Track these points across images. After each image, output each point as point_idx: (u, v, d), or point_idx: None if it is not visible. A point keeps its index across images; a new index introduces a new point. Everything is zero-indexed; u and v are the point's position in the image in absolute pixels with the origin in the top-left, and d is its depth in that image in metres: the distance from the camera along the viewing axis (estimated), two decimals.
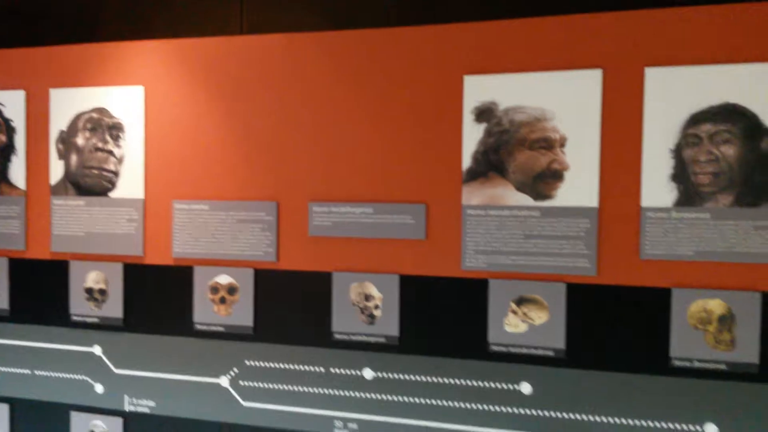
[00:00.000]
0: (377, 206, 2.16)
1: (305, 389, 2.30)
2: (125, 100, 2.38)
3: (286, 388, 2.32)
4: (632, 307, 1.97)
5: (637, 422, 1.98)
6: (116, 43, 2.40)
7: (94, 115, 2.41)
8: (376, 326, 2.20)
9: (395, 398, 2.21)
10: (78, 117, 2.43)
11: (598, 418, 2.01)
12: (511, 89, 2.01)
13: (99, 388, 2.53)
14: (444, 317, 2.14)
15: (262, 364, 2.34)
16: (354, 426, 2.25)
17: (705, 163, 1.87)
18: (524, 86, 2.00)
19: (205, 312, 2.37)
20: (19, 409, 2.63)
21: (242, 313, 2.33)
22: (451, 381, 2.15)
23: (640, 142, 1.93)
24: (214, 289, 2.36)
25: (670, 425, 1.95)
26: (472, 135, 2.06)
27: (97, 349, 2.53)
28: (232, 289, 2.34)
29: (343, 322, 2.23)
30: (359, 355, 2.23)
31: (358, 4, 2.31)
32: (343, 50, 2.19)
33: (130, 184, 2.40)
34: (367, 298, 2.20)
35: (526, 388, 2.08)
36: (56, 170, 2.48)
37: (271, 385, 2.34)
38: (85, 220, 2.46)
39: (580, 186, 1.97)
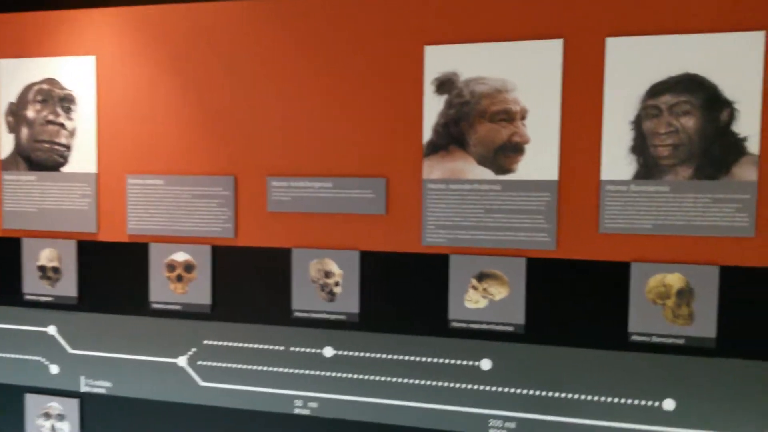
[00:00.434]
0: (337, 180, 2.11)
1: (265, 368, 2.25)
2: (76, 70, 2.29)
3: (245, 367, 2.27)
4: (591, 282, 1.95)
5: (596, 398, 1.97)
6: (67, 11, 2.31)
7: (45, 86, 2.32)
8: (336, 303, 2.16)
9: (355, 376, 2.17)
10: (28, 88, 2.34)
11: (557, 394, 2.00)
12: (472, 60, 1.97)
13: (54, 369, 2.47)
14: (405, 294, 2.11)
15: (220, 343, 2.29)
16: (314, 404, 2.21)
17: (665, 135, 1.85)
18: (485, 57, 1.96)
19: (162, 290, 2.31)
20: None
21: (200, 291, 2.28)
22: (412, 358, 2.12)
23: (600, 114, 1.90)
24: (171, 266, 2.29)
25: (630, 401, 1.94)
26: (432, 107, 2.01)
27: (51, 329, 2.45)
28: (189, 267, 2.28)
29: (303, 300, 2.19)
30: (319, 333, 2.19)
31: None
32: (302, 18, 2.13)
33: (83, 158, 2.32)
34: (327, 275, 2.16)
35: (486, 364, 2.06)
36: (6, 144, 2.39)
37: (229, 365, 2.29)
38: (37, 195, 2.38)
39: (540, 159, 1.94)
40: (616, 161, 1.89)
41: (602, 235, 1.93)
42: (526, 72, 1.93)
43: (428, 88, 2.01)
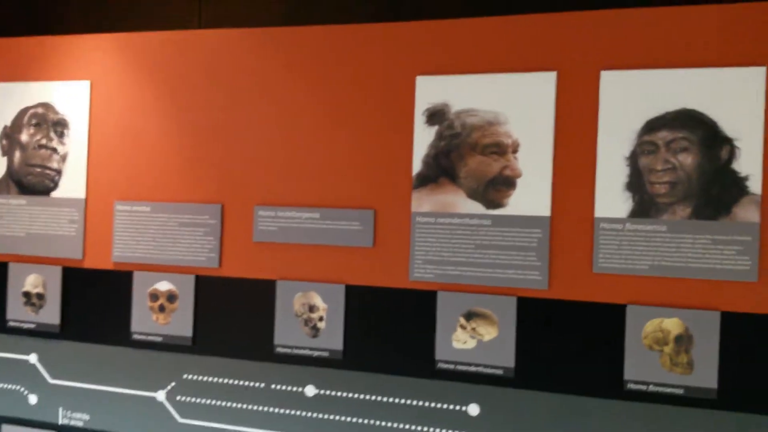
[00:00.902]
0: (324, 211, 2.06)
1: (244, 406, 2.16)
2: (71, 95, 2.29)
3: (224, 404, 2.18)
4: (585, 324, 1.85)
5: None
6: (63, 37, 2.33)
7: (39, 110, 2.33)
8: (319, 339, 2.08)
9: (337, 417, 2.07)
10: (23, 112, 2.35)
11: None
12: (463, 91, 1.93)
13: (33, 399, 2.39)
14: (390, 331, 2.02)
15: (200, 378, 2.20)
16: None
17: (661, 173, 1.77)
18: (477, 88, 1.92)
19: (144, 321, 2.25)
20: None
21: (181, 323, 2.21)
22: (397, 400, 2.01)
23: (594, 149, 1.83)
24: (154, 296, 2.24)
25: None
26: (423, 138, 1.97)
27: (32, 357, 2.39)
28: (171, 297, 2.22)
29: (286, 335, 2.11)
30: (301, 371, 2.10)
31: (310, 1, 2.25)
32: (292, 48, 2.11)
33: (72, 183, 2.30)
34: (312, 308, 2.08)
35: (473, 409, 1.94)
36: None
37: (209, 401, 2.20)
38: (26, 220, 2.36)
39: (532, 194, 1.87)
40: (611, 198, 1.81)
41: (597, 275, 1.84)
42: (518, 104, 1.88)
43: (419, 119, 1.97)
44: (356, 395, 2.05)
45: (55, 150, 2.31)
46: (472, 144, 1.92)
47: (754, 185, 1.72)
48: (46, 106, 2.32)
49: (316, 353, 2.08)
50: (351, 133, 2.05)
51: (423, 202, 1.97)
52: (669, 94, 1.77)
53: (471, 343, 1.94)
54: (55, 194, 2.32)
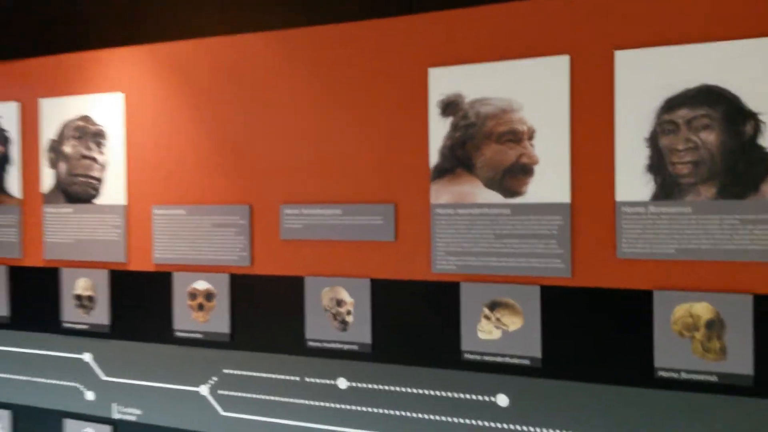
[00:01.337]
0: (346, 207, 2.09)
1: (282, 399, 2.23)
2: (106, 107, 2.42)
3: (263, 398, 2.26)
4: (611, 312, 1.81)
5: None
6: (96, 51, 2.46)
7: (80, 123, 2.47)
8: (348, 333, 2.12)
9: (370, 410, 2.10)
10: (65, 125, 2.50)
11: None
12: (476, 80, 1.91)
13: (89, 395, 2.55)
14: (416, 323, 2.04)
15: (239, 372, 2.29)
16: None
17: (683, 152, 1.71)
18: (489, 76, 1.90)
19: (185, 319, 2.36)
20: (19, 415, 2.68)
21: (219, 320, 2.30)
22: (426, 392, 2.03)
23: (612, 132, 1.78)
24: (193, 295, 2.34)
25: None
26: (438, 130, 1.97)
27: (87, 356, 2.55)
28: (209, 296, 2.31)
29: (316, 329, 2.16)
30: (333, 364, 2.15)
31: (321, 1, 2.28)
32: (309, 48, 2.15)
33: (113, 190, 2.43)
34: (339, 303, 2.13)
35: (502, 400, 1.94)
36: (48, 178, 2.55)
37: (248, 395, 2.28)
38: (74, 227, 2.51)
39: (550, 181, 1.84)
40: (632, 181, 1.76)
41: (621, 260, 1.79)
42: (532, 91, 1.85)
43: (433, 111, 1.97)
44: (387, 387, 2.08)
45: (95, 160, 2.44)
46: (487, 133, 1.90)
47: None
48: (86, 118, 2.46)
49: (346, 347, 2.12)
50: (368, 129, 2.07)
51: (441, 194, 1.97)
52: (687, 70, 1.70)
53: (496, 334, 1.93)
54: (97, 201, 2.46)
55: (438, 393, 2.01)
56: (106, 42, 2.49)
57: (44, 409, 2.63)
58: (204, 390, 2.35)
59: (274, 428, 2.23)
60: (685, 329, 1.73)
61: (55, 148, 2.52)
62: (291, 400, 2.22)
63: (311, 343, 2.17)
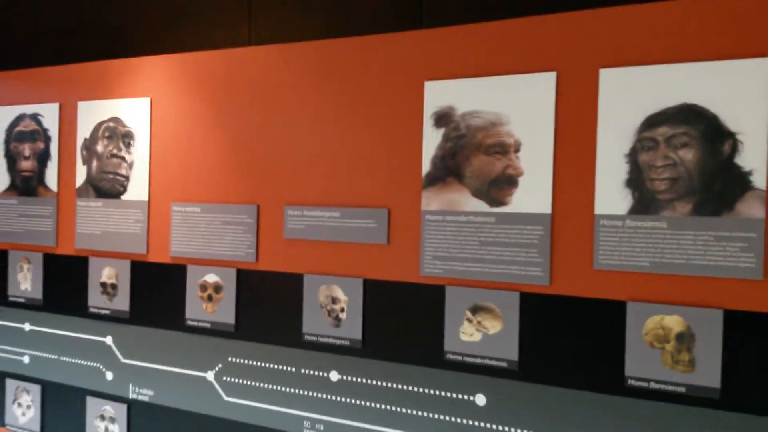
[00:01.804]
0: (344, 210, 2.22)
1: (280, 388, 2.36)
2: (135, 110, 2.62)
3: (263, 386, 2.40)
4: (586, 320, 1.87)
5: None
6: (128, 59, 2.67)
7: (111, 124, 2.68)
8: (341, 329, 2.23)
9: (359, 402, 2.21)
10: (98, 126, 2.71)
11: None
12: (468, 94, 2.01)
13: (109, 376, 2.75)
14: (404, 322, 2.14)
15: (242, 361, 2.43)
16: (321, 427, 2.27)
17: (661, 168, 1.76)
18: (480, 91, 1.99)
19: (196, 309, 2.52)
20: (48, 390, 2.91)
21: (226, 311, 2.45)
22: (410, 388, 2.13)
23: (594, 147, 1.85)
24: (203, 287, 2.50)
25: None
26: (431, 140, 2.07)
27: (108, 339, 2.75)
28: (218, 288, 2.47)
29: (313, 324, 2.29)
30: (326, 357, 2.27)
31: (335, 15, 2.41)
32: (317, 61, 2.29)
33: (138, 187, 2.62)
34: (334, 300, 2.25)
35: (480, 399, 2.02)
36: (81, 174, 2.77)
37: (249, 382, 2.42)
38: (102, 220, 2.72)
39: (533, 192, 1.92)
40: (611, 195, 1.82)
41: (597, 271, 1.85)
42: (520, 105, 1.94)
43: (428, 122, 2.07)
44: (374, 382, 2.18)
45: (123, 159, 2.65)
46: (476, 144, 1.99)
47: (759, 180, 1.66)
48: (116, 120, 2.67)
49: (338, 342, 2.24)
50: (368, 137, 2.20)
51: (432, 201, 2.07)
52: (669, 89, 1.75)
53: (477, 336, 2.01)
54: (124, 197, 2.66)
55: (421, 390, 2.11)
56: (137, 50, 2.70)
57: (70, 386, 2.84)
58: (210, 376, 2.51)
59: (271, 415, 2.37)
60: (656, 340, 1.77)
61: (89, 146, 2.74)
62: (287, 389, 2.35)
63: (307, 337, 2.30)
